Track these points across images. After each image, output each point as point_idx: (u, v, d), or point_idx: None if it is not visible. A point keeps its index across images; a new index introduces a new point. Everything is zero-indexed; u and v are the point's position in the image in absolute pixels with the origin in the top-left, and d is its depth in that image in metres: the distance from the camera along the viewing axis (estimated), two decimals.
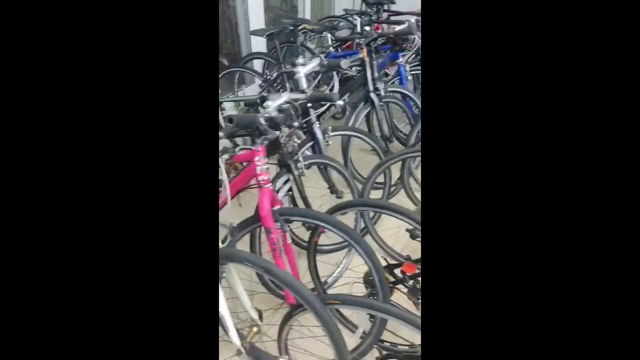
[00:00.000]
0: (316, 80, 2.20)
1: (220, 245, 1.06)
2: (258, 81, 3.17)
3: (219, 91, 1.98)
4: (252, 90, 3.20)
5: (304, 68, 1.63)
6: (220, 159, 1.03)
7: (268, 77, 2.43)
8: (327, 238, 1.72)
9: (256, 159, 1.20)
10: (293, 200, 1.64)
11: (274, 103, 1.37)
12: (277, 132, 1.11)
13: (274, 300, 1.54)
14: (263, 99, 1.46)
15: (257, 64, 3.07)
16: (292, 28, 2.38)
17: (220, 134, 1.05)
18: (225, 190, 0.99)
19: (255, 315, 1.21)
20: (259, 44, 3.18)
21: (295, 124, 1.33)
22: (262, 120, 1.06)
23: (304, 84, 1.64)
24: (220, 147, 1.05)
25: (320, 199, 1.77)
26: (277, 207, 1.24)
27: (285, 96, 1.42)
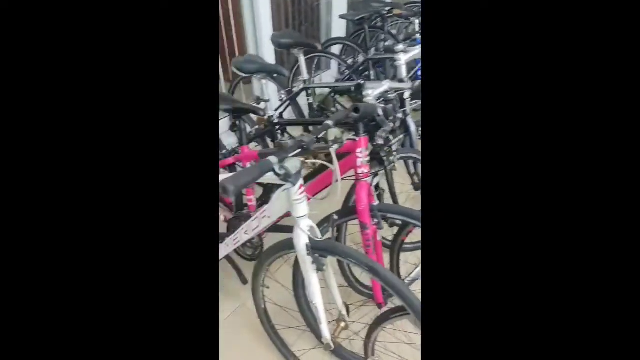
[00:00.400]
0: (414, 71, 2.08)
1: (320, 237, 1.03)
2: (334, 67, 3.11)
3: (307, 76, 1.94)
4: (328, 76, 3.15)
5: (406, 55, 1.51)
6: (331, 149, 0.98)
7: (353, 64, 2.35)
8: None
9: (358, 150, 1.14)
10: (379, 195, 1.57)
11: (374, 92, 1.29)
12: (391, 124, 1.04)
13: (354, 295, 1.51)
14: (359, 87, 1.39)
15: (334, 50, 3.00)
16: (384, 13, 2.26)
17: (329, 122, 1.00)
18: (336, 175, 0.94)
19: (344, 311, 1.18)
20: (338, 29, 3.10)
21: (399, 115, 1.25)
22: (379, 111, 1.00)
23: (403, 72, 1.52)
24: (332, 137, 1.00)
25: (405, 194, 1.69)
26: (375, 203, 1.18)
27: (385, 85, 1.33)
